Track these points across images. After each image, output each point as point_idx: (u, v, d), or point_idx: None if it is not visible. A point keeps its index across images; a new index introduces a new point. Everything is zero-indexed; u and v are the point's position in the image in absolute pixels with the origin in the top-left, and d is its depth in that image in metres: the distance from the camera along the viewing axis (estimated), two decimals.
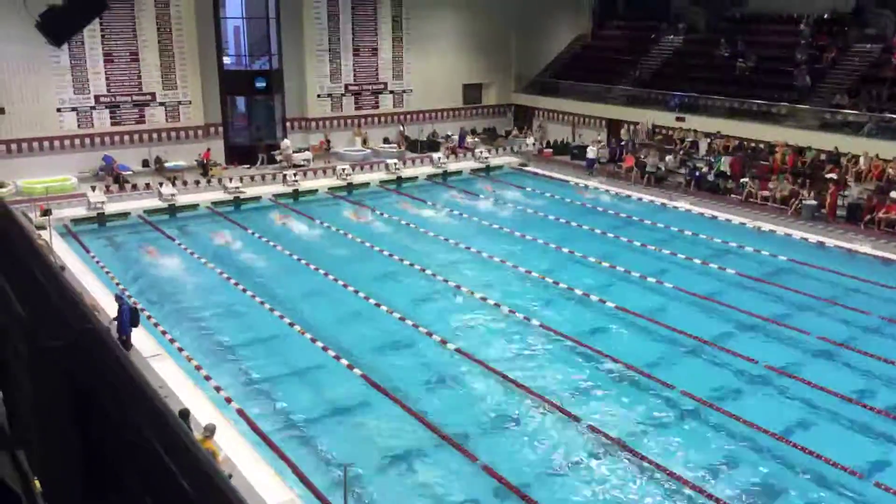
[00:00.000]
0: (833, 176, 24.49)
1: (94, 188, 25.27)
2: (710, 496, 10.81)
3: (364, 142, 33.23)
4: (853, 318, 17.11)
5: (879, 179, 24.06)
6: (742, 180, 26.43)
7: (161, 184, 26.21)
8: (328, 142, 32.33)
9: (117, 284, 18.16)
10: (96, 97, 28.05)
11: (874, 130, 25.61)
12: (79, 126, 27.89)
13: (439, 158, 31.48)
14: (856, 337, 16.17)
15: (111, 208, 24.53)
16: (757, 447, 12.17)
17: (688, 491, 10.98)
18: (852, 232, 22.63)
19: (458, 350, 15.30)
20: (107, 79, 28.16)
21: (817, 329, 16.30)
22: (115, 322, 13.88)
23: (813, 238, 22.54)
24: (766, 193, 25.46)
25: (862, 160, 24.68)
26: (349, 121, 33.67)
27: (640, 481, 11.31)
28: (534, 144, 33.85)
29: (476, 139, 35.33)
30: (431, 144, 33.85)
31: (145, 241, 22.65)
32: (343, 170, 29.04)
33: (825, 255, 21.45)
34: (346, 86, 33.46)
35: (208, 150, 29.32)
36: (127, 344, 13.78)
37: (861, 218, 23.06)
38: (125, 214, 24.55)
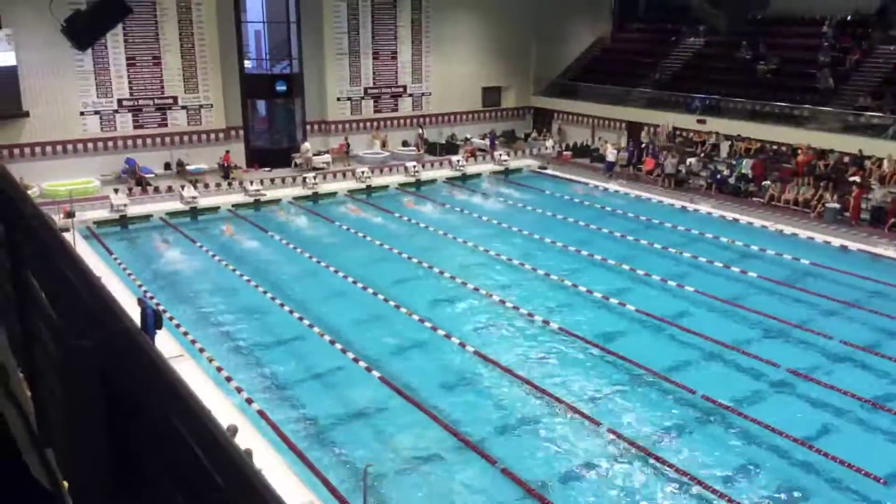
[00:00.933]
0: (856, 179, 24.22)
1: (116, 191, 25.52)
2: (731, 500, 10.72)
3: (383, 144, 33.33)
4: (877, 321, 16.92)
5: None
6: (764, 183, 26.23)
7: (183, 186, 26.44)
8: (347, 145, 32.45)
9: (140, 286, 18.33)
10: (119, 101, 28.33)
11: None
12: (102, 129, 28.20)
13: (458, 161, 31.50)
14: (879, 341, 15.98)
15: (133, 211, 24.78)
16: (779, 452, 12.06)
17: (709, 495, 10.90)
18: (876, 235, 22.38)
19: (476, 353, 15.30)
20: (129, 82, 28.44)
21: (840, 333, 16.13)
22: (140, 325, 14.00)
23: (836, 241, 22.31)
24: (788, 196, 25.24)
25: (886, 163, 24.40)
26: (369, 124, 33.78)
27: (660, 486, 11.25)
28: (553, 147, 33.76)
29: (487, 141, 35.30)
30: (450, 147, 33.89)
31: (167, 242, 22.85)
32: (362, 172, 29.14)
33: (848, 258, 21.23)
34: (366, 89, 33.58)
35: (227, 152, 29.53)
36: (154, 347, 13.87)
37: (885, 221, 22.81)
38: (147, 217, 24.80)
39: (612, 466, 11.74)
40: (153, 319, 14.01)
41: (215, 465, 1.06)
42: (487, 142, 34.34)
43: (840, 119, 27.31)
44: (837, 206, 23.77)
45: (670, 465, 11.55)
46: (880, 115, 26.20)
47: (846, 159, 25.65)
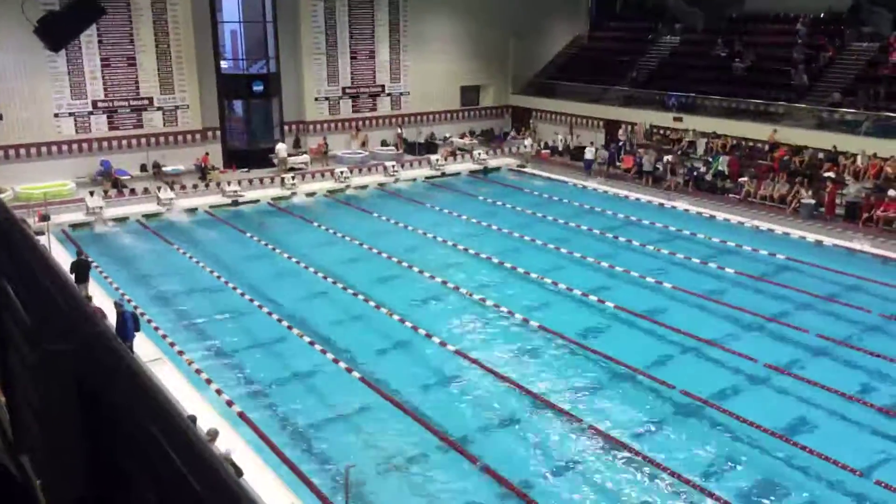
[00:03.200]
0: (831, 174, 24.52)
1: (92, 193, 25.27)
2: (710, 495, 10.82)
3: (363, 144, 33.24)
4: (852, 315, 17.15)
5: (877, 178, 24.09)
6: (740, 179, 26.47)
7: (159, 188, 26.22)
8: (326, 145, 32.33)
9: (117, 289, 18.16)
10: (94, 102, 28.03)
11: (871, 129, 25.65)
12: (76, 131, 27.88)
13: (437, 160, 31.51)
14: (855, 335, 16.19)
15: (109, 213, 24.54)
16: (757, 446, 12.19)
17: (689, 490, 10.99)
18: (851, 230, 22.66)
19: (457, 352, 15.31)
20: (104, 84, 28.15)
21: (817, 327, 16.34)
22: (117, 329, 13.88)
23: (811, 237, 22.58)
24: (764, 192, 25.51)
25: (860, 159, 24.71)
26: (347, 124, 33.68)
27: (641, 481, 11.32)
28: (531, 146, 33.87)
29: (474, 141, 35.37)
30: (429, 146, 33.89)
31: (143, 245, 22.64)
32: (341, 172, 29.06)
33: (824, 253, 21.49)
34: (344, 89, 33.47)
35: (206, 154, 29.33)
36: (129, 350, 13.76)
37: (859, 216, 23.10)
38: (123, 219, 24.57)
39: (594, 462, 11.80)
40: (131, 323, 13.90)
41: (191, 469, 1.05)
42: (467, 140, 34.40)
43: (814, 116, 27.62)
44: (813, 201, 24.04)
45: (650, 460, 11.64)
46: (853, 111, 26.52)
47: (821, 155, 25.94)
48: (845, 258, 21.06)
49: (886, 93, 26.38)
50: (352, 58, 33.40)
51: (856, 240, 21.95)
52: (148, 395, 1.20)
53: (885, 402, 13.36)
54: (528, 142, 34.01)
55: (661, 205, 26.47)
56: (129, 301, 17.26)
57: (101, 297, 16.81)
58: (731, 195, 26.39)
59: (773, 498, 10.98)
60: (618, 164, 30.47)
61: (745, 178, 26.37)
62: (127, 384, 1.26)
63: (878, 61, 27.99)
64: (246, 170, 29.69)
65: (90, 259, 18.34)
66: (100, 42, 27.73)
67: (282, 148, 30.28)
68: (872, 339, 15.96)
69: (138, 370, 1.27)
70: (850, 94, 27.20)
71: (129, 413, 1.23)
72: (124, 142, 28.88)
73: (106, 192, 26.16)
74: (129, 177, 27.82)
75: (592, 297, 18.11)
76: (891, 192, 22.91)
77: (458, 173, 31.40)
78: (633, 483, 11.28)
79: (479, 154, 32.78)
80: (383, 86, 34.52)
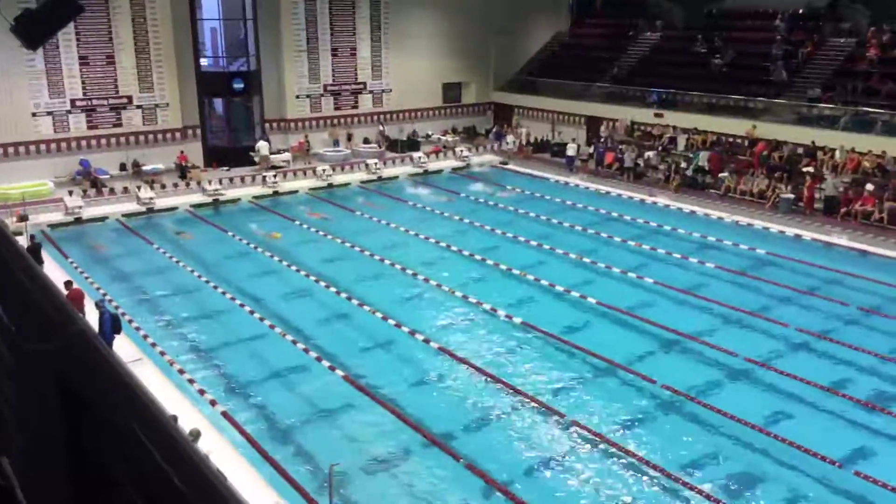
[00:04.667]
0: (810, 169, 24.77)
1: (71, 193, 25.05)
2: (692, 488, 10.92)
3: (349, 138, 33.11)
4: (831, 308, 17.34)
5: (855, 172, 24.36)
6: (721, 175, 26.67)
7: (139, 187, 26.03)
8: (308, 142, 32.22)
9: (98, 290, 18.02)
10: (72, 101, 27.78)
11: (850, 124, 25.92)
12: (55, 130, 27.61)
13: (420, 158, 31.50)
14: (834, 328, 16.38)
15: (89, 213, 24.34)
16: (738, 439, 12.30)
17: (670, 483, 11.08)
18: (829, 224, 22.91)
19: (441, 348, 15.33)
20: (83, 82, 27.90)
21: (796, 321, 16.50)
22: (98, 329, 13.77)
23: (790, 231, 22.80)
24: (744, 187, 25.71)
25: (838, 153, 24.97)
26: (329, 121, 33.57)
27: (623, 475, 11.40)
28: (514, 142, 33.93)
29: (456, 138, 35.38)
30: (412, 144, 33.86)
31: (124, 245, 22.46)
32: (323, 170, 28.99)
33: (803, 247, 21.70)
34: (325, 86, 33.36)
35: (182, 152, 29.14)
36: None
37: (838, 210, 23.35)
38: (103, 219, 24.37)
39: (576, 457, 11.87)
40: (111, 323, 13.79)
41: (177, 470, 1.06)
42: (450, 138, 34.47)
43: (793, 111, 27.87)
44: (792, 196, 24.27)
45: (632, 454, 11.72)
46: (832, 106, 26.79)
47: (799, 150, 26.19)
48: (824, 252, 21.29)
49: (864, 88, 26.67)
50: (333, 55, 33.30)
51: (834, 234, 22.19)
52: (131, 394, 1.20)
53: (864, 395, 13.52)
54: (510, 138, 34.06)
55: (643, 200, 26.61)
56: (110, 301, 17.13)
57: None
58: (711, 190, 26.58)
59: (753, 490, 11.09)
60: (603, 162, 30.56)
61: (726, 174, 26.57)
62: (109, 383, 1.26)
63: (855, 57, 28.28)
64: (227, 168, 29.53)
65: (38, 242, 19.38)
66: (78, 40, 27.48)
67: (263, 146, 30.15)
68: (851, 332, 16.15)
69: (121, 369, 1.27)
70: (828, 89, 27.47)
71: (112, 412, 1.23)
72: (103, 141, 28.64)
73: (85, 191, 25.93)
74: (108, 176, 27.59)
75: (574, 293, 18.19)
76: (869, 187, 23.18)
77: (440, 171, 31.41)
78: (616, 477, 11.36)
79: (462, 151, 32.79)
80: (365, 83, 34.45)
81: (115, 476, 1.25)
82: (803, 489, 11.10)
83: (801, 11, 31.74)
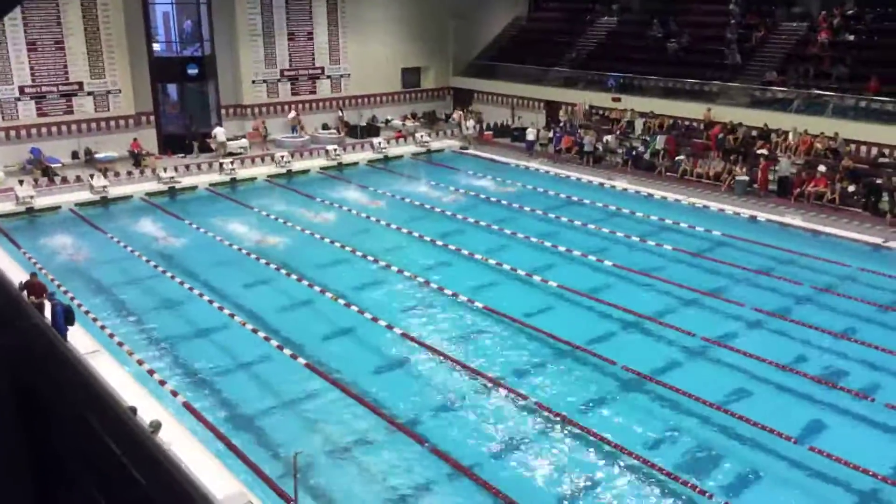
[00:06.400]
0: (764, 152, 25.21)
1: (21, 182, 24.43)
2: (653, 465, 11.11)
3: (300, 125, 32.67)
4: (785, 288, 17.73)
5: (808, 154, 24.87)
6: (677, 158, 27.01)
7: (92, 176, 25.49)
8: (265, 128, 31.82)
9: (52, 280, 17.64)
10: (20, 88, 27.04)
11: (802, 106, 26.42)
12: (3, 118, 26.88)
13: (380, 143, 31.33)
14: (789, 306, 16.76)
15: (41, 202, 23.79)
16: (697, 416, 12.55)
17: (632, 461, 11.26)
18: (783, 206, 23.37)
19: (403, 334, 15.34)
20: (31, 69, 27.16)
21: (752, 300, 16.84)
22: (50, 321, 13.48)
23: (745, 212, 23.20)
24: (700, 170, 26.08)
25: (791, 135, 25.45)
26: (286, 107, 33.17)
27: (586, 454, 11.56)
28: (474, 127, 33.93)
29: (416, 123, 35.26)
30: (371, 129, 33.66)
31: (78, 235, 22.00)
32: (282, 157, 28.68)
33: (758, 228, 22.12)
34: (282, 71, 32.95)
35: (135, 139, 28.60)
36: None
37: (791, 192, 23.83)
38: (56, 208, 23.84)
39: (540, 438, 11.99)
40: (63, 316, 13.52)
41: (134, 461, 1.04)
42: (410, 123, 34.37)
43: (747, 94, 28.30)
44: (746, 178, 24.70)
45: (595, 434, 11.87)
46: (784, 89, 27.26)
47: (754, 133, 26.63)
48: (778, 233, 21.71)
49: (815, 71, 27.17)
50: (290, 39, 32.88)
51: (788, 215, 22.64)
52: (87, 387, 1.18)
53: (818, 372, 13.88)
54: (470, 123, 34.05)
55: (602, 184, 26.84)
56: (65, 292, 16.81)
57: None
58: (668, 173, 26.91)
59: (712, 466, 11.33)
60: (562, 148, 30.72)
61: (682, 157, 26.92)
62: (64, 376, 1.24)
63: (807, 40, 28.78)
64: (182, 155, 29.05)
65: None
66: (25, 25, 26.72)
67: (220, 132, 29.71)
68: (804, 310, 16.54)
69: (76, 362, 1.25)
70: (781, 72, 27.93)
71: (67, 405, 1.21)
72: (54, 128, 27.97)
73: (36, 180, 25.32)
74: (60, 164, 26.96)
75: (536, 277, 18.31)
76: (821, 168, 23.68)
77: (400, 156, 31.28)
78: (579, 457, 11.51)
79: (422, 136, 32.70)
80: (323, 68, 34.09)
81: (74, 469, 1.22)
82: (760, 465, 11.37)
83: None
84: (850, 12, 28.59)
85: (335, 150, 30.09)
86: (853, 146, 24.37)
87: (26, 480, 1.33)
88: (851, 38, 27.48)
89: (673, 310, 16.64)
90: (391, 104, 36.27)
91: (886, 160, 23.66)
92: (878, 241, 20.53)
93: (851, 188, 23.07)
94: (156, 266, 19.09)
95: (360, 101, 35.18)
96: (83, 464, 1.20)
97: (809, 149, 24.92)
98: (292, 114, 32.64)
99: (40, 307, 13.62)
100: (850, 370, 14.07)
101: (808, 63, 27.67)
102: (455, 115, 35.07)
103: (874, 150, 24.16)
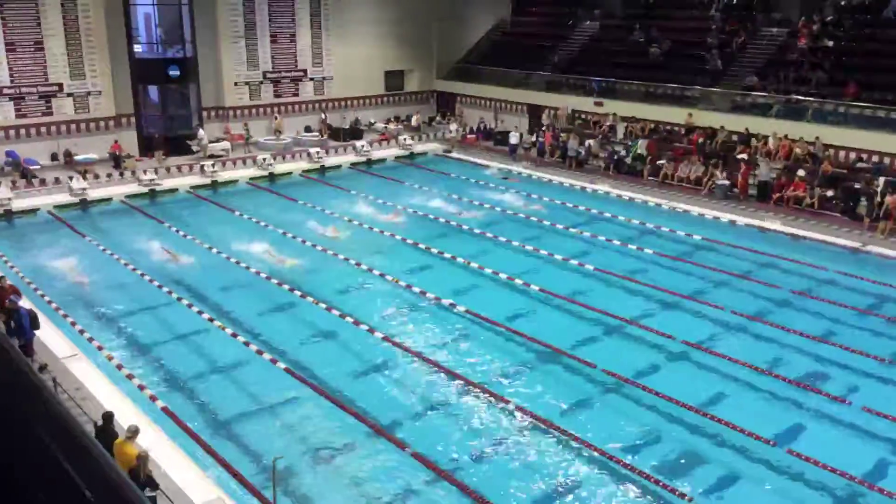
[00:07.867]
0: (744, 156, 25.38)
1: None
2: (632, 468, 11.14)
3: (278, 130, 32.52)
4: (765, 291, 17.84)
5: (787, 159, 25.06)
6: (658, 162, 27.14)
7: (71, 178, 25.25)
8: (248, 131, 31.67)
9: (29, 284, 17.47)
10: None
11: (782, 111, 26.62)
12: None
13: (363, 146, 31.27)
14: (768, 310, 16.87)
15: (18, 205, 23.53)
16: (677, 420, 12.59)
17: (612, 464, 11.28)
18: (763, 210, 23.54)
19: (385, 338, 15.29)
20: (10, 69, 26.89)
21: (732, 304, 16.94)
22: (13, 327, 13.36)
23: (725, 217, 23.33)
24: (681, 174, 26.23)
25: (771, 140, 25.64)
26: (268, 109, 33.04)
27: (567, 458, 11.56)
28: (457, 131, 33.94)
29: (399, 126, 35.23)
30: (354, 132, 33.59)
31: (56, 238, 21.77)
32: (264, 159, 28.55)
33: (737, 232, 22.26)
34: (265, 73, 32.82)
35: (116, 141, 28.37)
36: (28, 349, 13.22)
37: (770, 196, 24.00)
38: (34, 211, 23.58)
39: (521, 442, 11.99)
40: (28, 321, 13.38)
41: (81, 473, 1.02)
42: (393, 126, 34.36)
43: (728, 99, 28.50)
44: (727, 182, 24.85)
45: (576, 438, 11.89)
46: (765, 94, 27.48)
47: (734, 138, 26.81)
48: (758, 237, 21.86)
49: (795, 77, 27.40)
50: (272, 41, 32.77)
51: (767, 219, 22.80)
52: (35, 398, 1.16)
53: (796, 375, 13.96)
54: (453, 126, 34.06)
55: (584, 188, 26.91)
56: (42, 296, 16.67)
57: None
58: (649, 178, 27.04)
59: (691, 469, 11.37)
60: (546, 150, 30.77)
61: (663, 161, 27.06)
62: (14, 388, 1.21)
63: (787, 46, 29.03)
64: (164, 156, 28.84)
65: None
66: (4, 25, 26.47)
67: (203, 134, 29.53)
68: (784, 314, 16.66)
69: (26, 371, 1.22)
70: (761, 77, 28.15)
71: (15, 417, 1.18)
72: (33, 130, 27.72)
73: (14, 182, 25.06)
74: (38, 166, 26.69)
75: (518, 281, 18.32)
76: (800, 173, 23.88)
77: (383, 159, 31.23)
78: (560, 460, 11.51)
79: (405, 139, 32.66)
80: (305, 70, 33.99)
81: (23, 480, 1.20)
82: (739, 467, 11.43)
83: (734, 1, 32.41)
84: (830, 18, 28.87)
85: (318, 152, 29.99)
86: (832, 151, 24.58)
87: None
88: (831, 44, 27.73)
89: (653, 313, 16.70)
90: (374, 107, 36.23)
91: (864, 165, 23.88)
92: (856, 244, 20.73)
93: (830, 193, 23.27)
94: (134, 269, 18.93)
95: (342, 103, 35.10)
96: (31, 474, 1.18)
97: (789, 153, 25.12)
98: (278, 119, 32.58)
99: (10, 313, 13.50)
100: (828, 373, 14.19)
101: (788, 68, 27.89)
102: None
103: (852, 155, 24.40)
